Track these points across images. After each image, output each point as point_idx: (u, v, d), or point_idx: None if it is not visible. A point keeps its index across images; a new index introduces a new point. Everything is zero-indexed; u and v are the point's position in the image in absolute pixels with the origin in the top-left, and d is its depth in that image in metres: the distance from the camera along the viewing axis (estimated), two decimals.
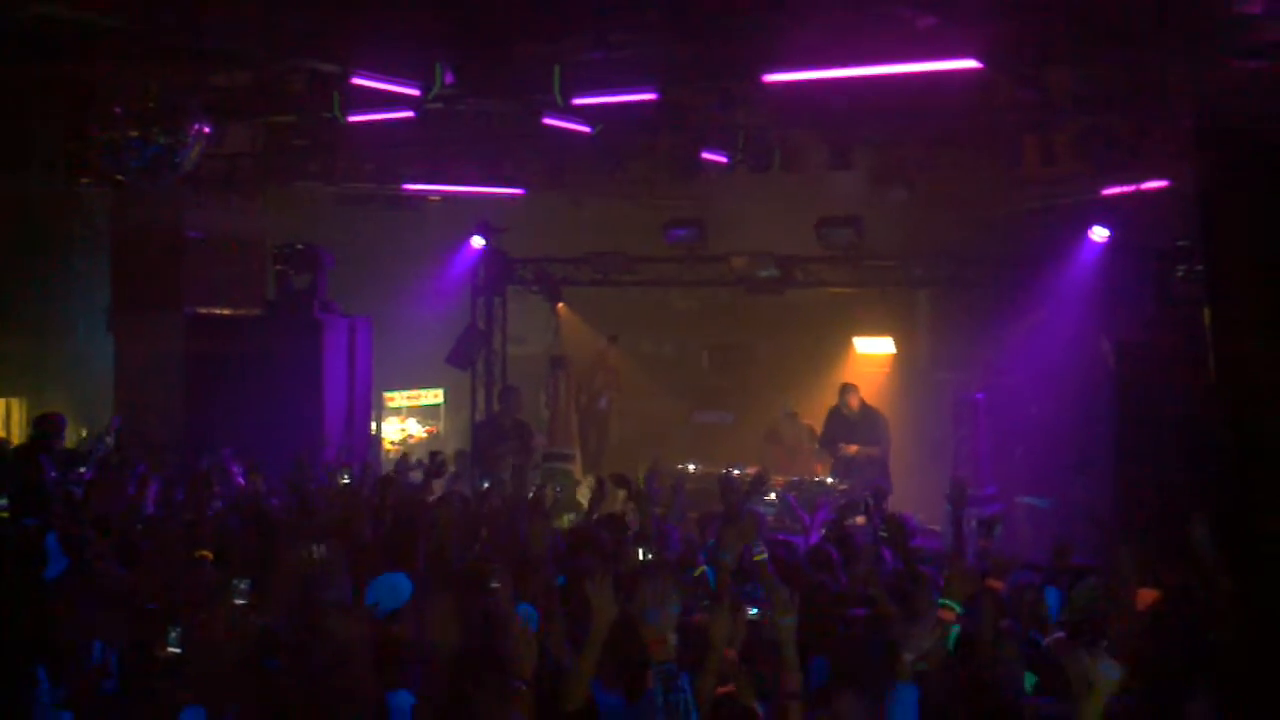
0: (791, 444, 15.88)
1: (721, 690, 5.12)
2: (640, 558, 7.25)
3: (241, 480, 10.47)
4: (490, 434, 14.36)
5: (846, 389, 14.43)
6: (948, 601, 5.24)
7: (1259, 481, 4.00)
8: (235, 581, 5.89)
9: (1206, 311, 4.08)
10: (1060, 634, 5.46)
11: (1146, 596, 6.68)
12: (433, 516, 8.11)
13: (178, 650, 5.25)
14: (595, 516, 9.26)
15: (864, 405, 14.33)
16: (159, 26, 8.88)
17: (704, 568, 7.07)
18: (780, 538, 8.81)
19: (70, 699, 5.23)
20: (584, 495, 13.98)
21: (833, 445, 14.19)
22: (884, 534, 7.82)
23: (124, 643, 5.65)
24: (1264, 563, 3.90)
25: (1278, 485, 3.88)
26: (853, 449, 13.84)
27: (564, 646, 5.41)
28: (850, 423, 14.16)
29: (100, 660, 5.59)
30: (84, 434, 13.99)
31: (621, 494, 9.43)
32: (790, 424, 16.05)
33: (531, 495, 10.00)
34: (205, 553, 7.23)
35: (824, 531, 9.19)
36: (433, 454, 11.04)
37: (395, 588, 6.26)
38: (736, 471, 10.74)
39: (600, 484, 9.65)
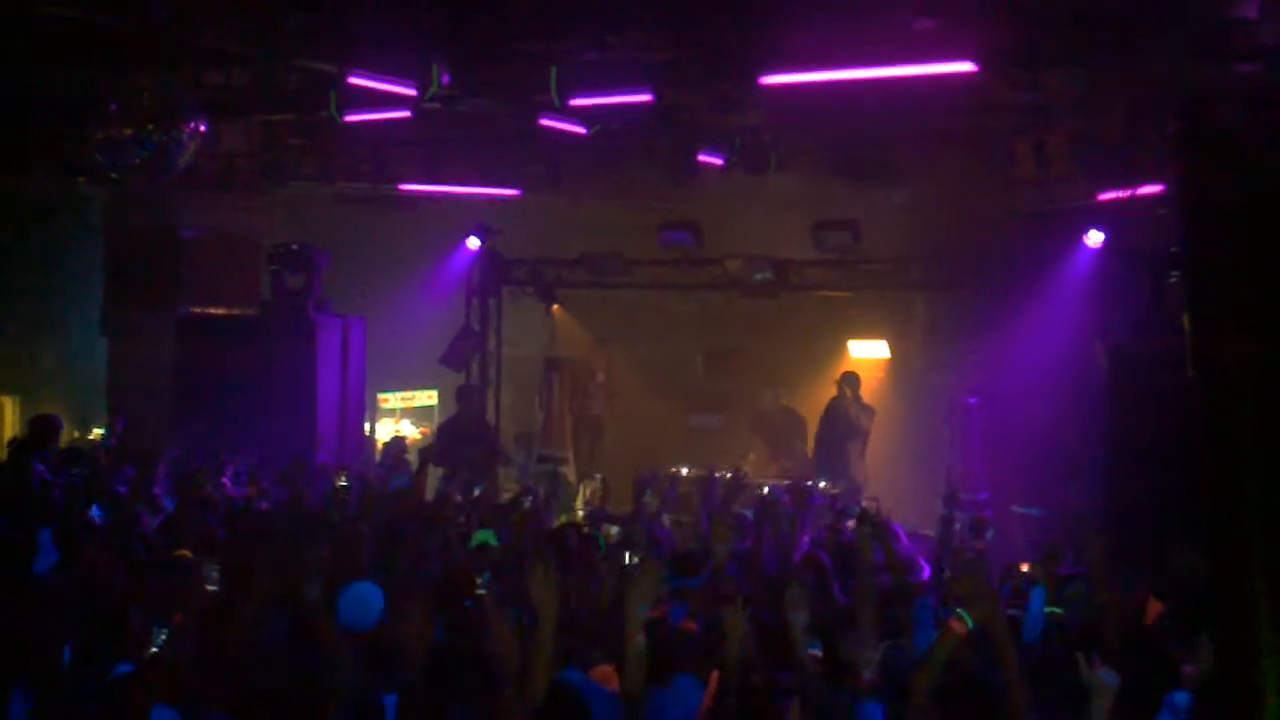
0: (781, 434, 15.79)
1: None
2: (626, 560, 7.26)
3: (228, 482, 10.44)
4: (451, 435, 14.19)
5: (851, 378, 14.56)
6: (962, 613, 5.07)
7: (1233, 484, 4.00)
8: (207, 569, 5.88)
9: (1186, 315, 4.10)
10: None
11: (1155, 608, 6.68)
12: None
13: (157, 650, 5.24)
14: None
15: (859, 397, 14.54)
16: (154, 25, 8.86)
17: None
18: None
19: (37, 698, 5.19)
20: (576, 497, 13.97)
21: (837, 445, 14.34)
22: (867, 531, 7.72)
23: (101, 641, 5.62)
24: (1239, 560, 3.90)
25: (1251, 487, 3.89)
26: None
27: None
28: (849, 416, 14.32)
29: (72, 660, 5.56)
30: (76, 434, 13.99)
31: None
32: (784, 416, 15.97)
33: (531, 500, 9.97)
34: (184, 552, 7.22)
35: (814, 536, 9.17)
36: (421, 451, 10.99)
37: (366, 598, 6.23)
38: (719, 473, 10.76)
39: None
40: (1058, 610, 6.31)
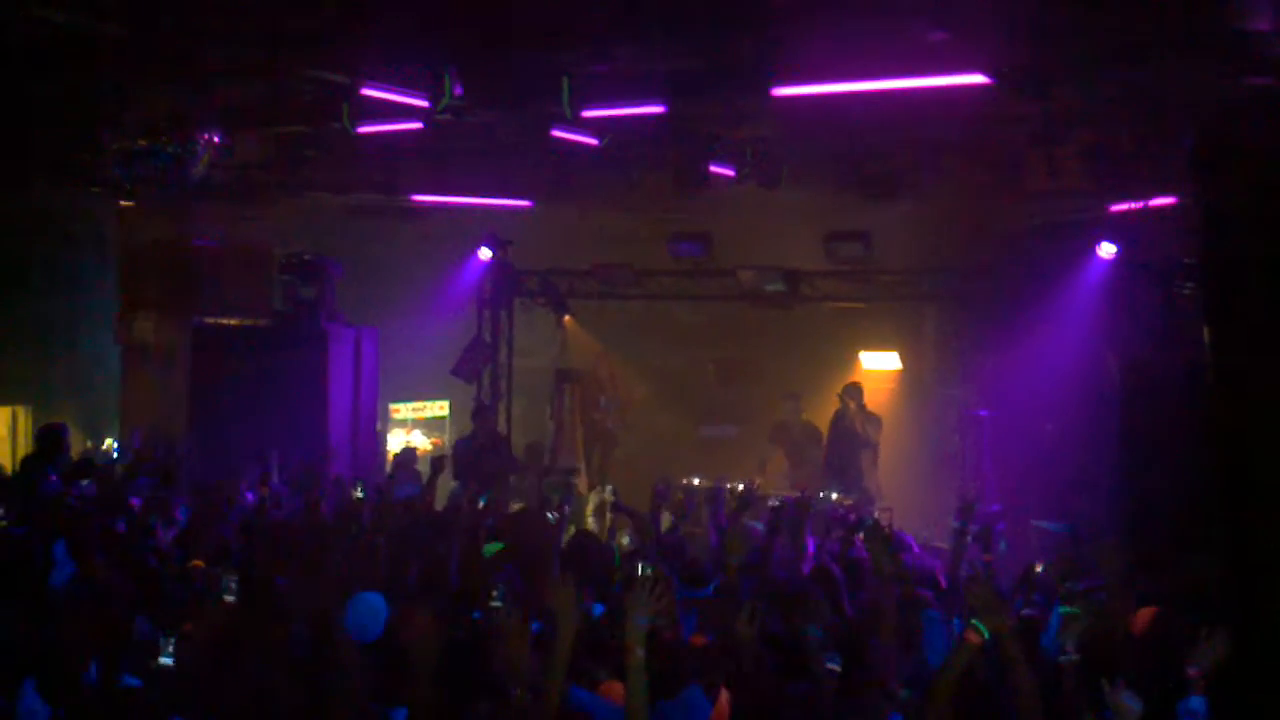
0: (801, 446, 15.73)
1: None
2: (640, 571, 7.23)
3: (249, 494, 10.44)
4: (471, 453, 14.15)
5: (853, 390, 14.55)
6: (977, 623, 5.05)
7: (1251, 491, 4.01)
8: (225, 579, 5.89)
9: (1205, 329, 4.09)
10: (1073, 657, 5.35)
11: (1146, 615, 6.65)
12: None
13: (169, 662, 5.23)
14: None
15: (863, 408, 14.52)
16: (164, 35, 8.88)
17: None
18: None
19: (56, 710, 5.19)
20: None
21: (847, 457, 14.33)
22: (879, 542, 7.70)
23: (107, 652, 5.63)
24: (1259, 574, 3.91)
25: (1270, 495, 3.90)
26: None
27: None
28: (854, 428, 14.31)
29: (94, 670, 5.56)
30: (89, 444, 14.01)
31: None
32: (804, 428, 15.90)
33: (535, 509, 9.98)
34: (198, 562, 7.23)
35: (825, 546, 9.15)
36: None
37: (373, 608, 6.23)
38: (729, 486, 10.77)
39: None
40: (1075, 610, 6.28)
